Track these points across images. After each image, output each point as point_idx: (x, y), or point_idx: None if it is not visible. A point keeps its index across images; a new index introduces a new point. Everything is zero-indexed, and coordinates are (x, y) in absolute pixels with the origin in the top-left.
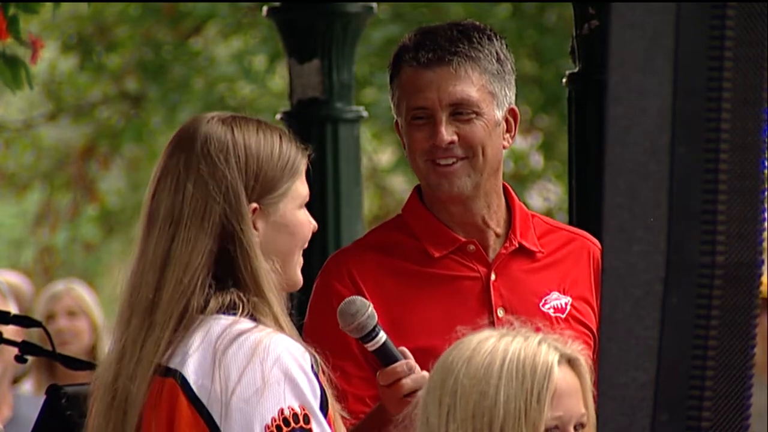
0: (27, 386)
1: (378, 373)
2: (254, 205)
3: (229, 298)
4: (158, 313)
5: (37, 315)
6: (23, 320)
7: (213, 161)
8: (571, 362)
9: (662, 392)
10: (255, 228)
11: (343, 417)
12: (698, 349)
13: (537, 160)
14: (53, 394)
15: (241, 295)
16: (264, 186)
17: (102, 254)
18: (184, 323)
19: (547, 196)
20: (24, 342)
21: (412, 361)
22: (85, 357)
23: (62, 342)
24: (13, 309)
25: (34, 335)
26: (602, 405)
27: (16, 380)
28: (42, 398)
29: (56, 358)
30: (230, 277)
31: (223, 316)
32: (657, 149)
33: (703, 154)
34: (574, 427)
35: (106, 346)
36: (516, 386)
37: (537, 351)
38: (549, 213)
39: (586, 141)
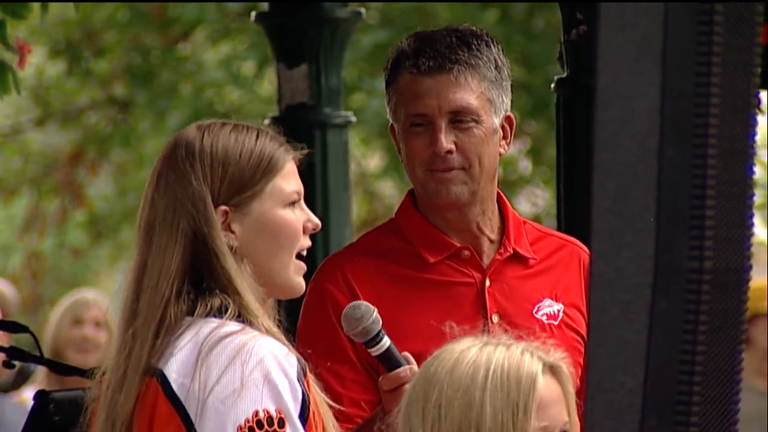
0: (28, 393)
1: (381, 378)
2: (223, 207)
3: (218, 302)
4: (138, 322)
5: (57, 316)
6: (11, 325)
7: (179, 168)
8: (553, 370)
9: (650, 397)
10: (231, 231)
11: (340, 422)
12: (686, 353)
13: (525, 165)
14: (41, 399)
15: (227, 297)
16: (232, 187)
17: (90, 260)
18: (164, 330)
19: (535, 201)
20: (12, 347)
21: (415, 366)
22: None
23: (83, 350)
24: None
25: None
26: (590, 410)
27: (18, 386)
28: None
29: (43, 363)
30: (207, 282)
31: (213, 318)
32: (645, 153)
33: (691, 159)
34: None
35: None
36: (502, 398)
37: (521, 361)
38: (537, 218)
39: (574, 146)
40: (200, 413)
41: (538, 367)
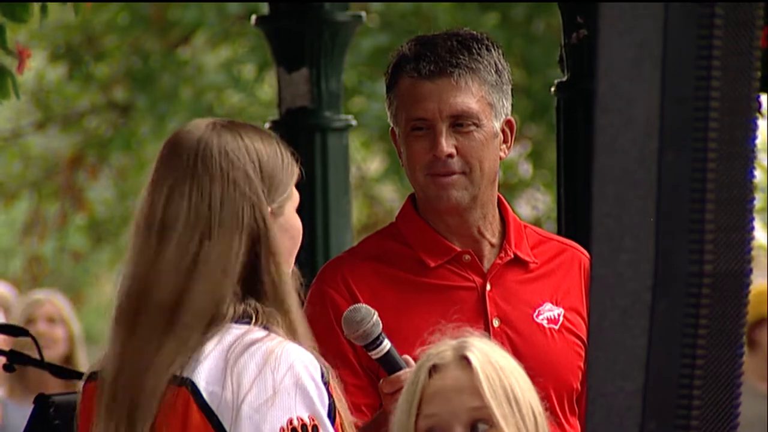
0: None
1: (382, 381)
2: (269, 208)
3: (242, 308)
4: (182, 318)
5: (17, 321)
6: (10, 329)
7: (235, 163)
8: (463, 361)
9: (650, 401)
10: None
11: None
12: (686, 357)
13: (526, 168)
14: (41, 403)
15: (256, 304)
16: (276, 188)
17: (90, 263)
18: (210, 328)
19: (535, 204)
20: (12, 351)
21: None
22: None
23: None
24: (1, 318)
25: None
26: (590, 414)
27: None
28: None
29: (44, 367)
30: (255, 282)
31: (234, 325)
32: (645, 158)
33: (691, 163)
34: (473, 425)
35: (81, 357)
36: (404, 393)
37: (423, 357)
38: (537, 222)
39: (574, 149)
40: (234, 423)
41: (433, 360)
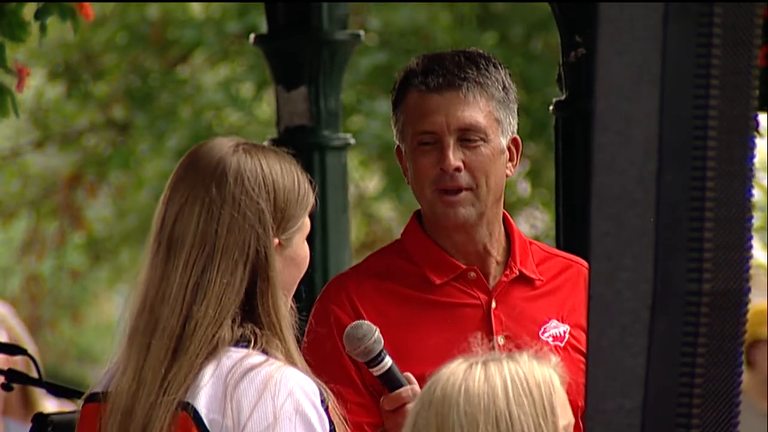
0: None
1: (383, 399)
2: (276, 240)
3: (241, 332)
4: (189, 345)
5: None
6: (9, 348)
7: (249, 193)
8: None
9: (649, 419)
10: None
11: None
12: (685, 376)
13: (524, 187)
14: (39, 422)
15: (254, 328)
16: (286, 221)
17: (89, 282)
18: (212, 353)
19: (534, 223)
20: (10, 370)
21: (416, 386)
22: None
23: None
24: (2, 338)
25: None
26: (590, 431)
27: None
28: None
29: (42, 386)
30: (252, 312)
31: (233, 348)
32: (644, 177)
33: (690, 182)
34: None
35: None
36: (528, 404)
37: (532, 367)
38: (536, 240)
39: (572, 168)
40: None
41: (549, 370)
